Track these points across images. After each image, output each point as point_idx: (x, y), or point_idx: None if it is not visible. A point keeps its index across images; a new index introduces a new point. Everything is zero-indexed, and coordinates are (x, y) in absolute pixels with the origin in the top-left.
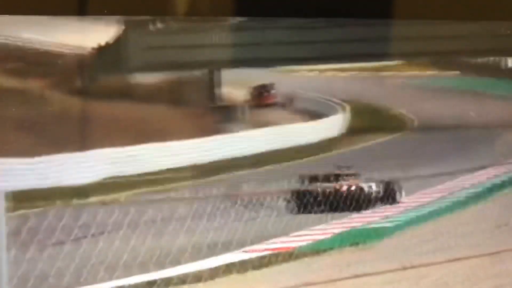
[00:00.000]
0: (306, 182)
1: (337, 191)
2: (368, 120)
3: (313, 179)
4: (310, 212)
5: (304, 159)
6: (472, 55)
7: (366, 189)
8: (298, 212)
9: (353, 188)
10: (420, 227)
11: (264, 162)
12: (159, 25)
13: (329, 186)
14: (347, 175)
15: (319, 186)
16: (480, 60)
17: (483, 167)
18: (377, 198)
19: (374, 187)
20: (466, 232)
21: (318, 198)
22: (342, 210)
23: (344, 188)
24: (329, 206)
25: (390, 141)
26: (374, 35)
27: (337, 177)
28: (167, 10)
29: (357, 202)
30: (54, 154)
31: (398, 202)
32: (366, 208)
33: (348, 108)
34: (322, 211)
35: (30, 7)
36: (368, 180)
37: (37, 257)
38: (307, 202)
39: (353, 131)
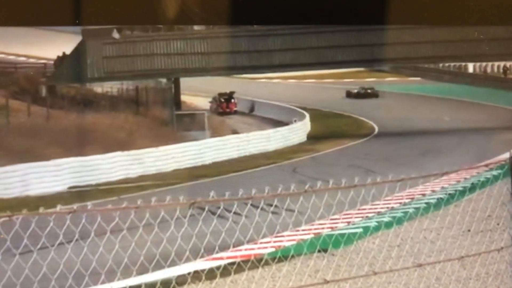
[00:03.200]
0: None
1: None
2: (329, 127)
3: None
4: None
5: (266, 166)
6: (433, 61)
7: None
8: None
9: None
10: (385, 233)
11: (229, 169)
12: (117, 35)
13: None
14: None
15: None
16: (441, 66)
17: (445, 173)
18: None
19: None
20: (430, 237)
21: None
22: None
23: None
24: None
25: (352, 147)
26: (335, 43)
27: None
28: (157, 20)
29: None
30: (18, 164)
31: None
32: None
33: (308, 115)
34: None
35: (25, 19)
36: None
37: (3, 266)
38: None
39: (314, 138)
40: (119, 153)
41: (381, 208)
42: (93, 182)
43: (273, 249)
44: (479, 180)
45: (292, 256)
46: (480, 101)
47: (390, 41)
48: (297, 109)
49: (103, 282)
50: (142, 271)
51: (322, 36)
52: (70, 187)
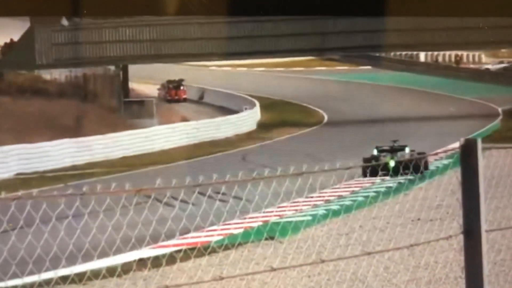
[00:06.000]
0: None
1: None
2: (279, 116)
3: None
4: None
5: (215, 154)
6: (384, 50)
7: None
8: None
9: None
10: (334, 221)
11: (177, 157)
12: (66, 22)
13: None
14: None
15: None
16: (393, 55)
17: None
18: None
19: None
20: (380, 226)
21: None
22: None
23: None
24: None
25: (301, 136)
26: (284, 32)
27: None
28: (155, 10)
29: None
30: None
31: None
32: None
33: (258, 103)
34: None
35: (21, 8)
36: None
37: None
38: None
39: (264, 126)
40: (66, 140)
41: (329, 196)
42: (41, 169)
43: (220, 237)
44: (429, 169)
45: (239, 244)
46: (431, 90)
47: (341, 29)
48: (247, 97)
49: (47, 269)
50: (88, 258)
51: (273, 25)
52: (17, 174)
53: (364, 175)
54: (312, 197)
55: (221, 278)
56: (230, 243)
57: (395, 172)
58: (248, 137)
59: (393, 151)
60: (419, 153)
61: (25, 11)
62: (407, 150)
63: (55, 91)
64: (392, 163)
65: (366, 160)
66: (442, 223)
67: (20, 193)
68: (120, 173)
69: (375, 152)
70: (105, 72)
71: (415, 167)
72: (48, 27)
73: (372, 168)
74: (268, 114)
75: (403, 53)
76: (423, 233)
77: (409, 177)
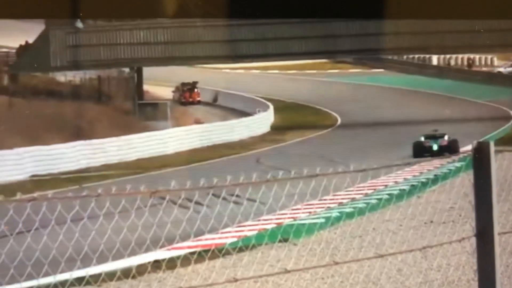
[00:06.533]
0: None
1: None
2: (292, 118)
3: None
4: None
5: (229, 157)
6: (396, 53)
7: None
8: None
9: None
10: (347, 224)
11: (191, 159)
12: (80, 24)
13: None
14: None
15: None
16: (405, 58)
17: (408, 164)
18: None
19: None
20: (393, 228)
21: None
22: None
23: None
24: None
25: (315, 138)
26: (297, 34)
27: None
28: (155, 13)
29: None
30: None
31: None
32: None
33: (272, 106)
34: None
35: (24, 11)
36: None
37: None
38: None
39: (277, 129)
40: (81, 142)
41: (343, 198)
42: (55, 171)
43: (235, 239)
44: (441, 172)
45: (253, 246)
46: (443, 93)
47: (353, 32)
48: (260, 99)
49: (62, 271)
50: (102, 260)
51: (286, 27)
52: (32, 176)
53: (415, 156)
54: (325, 199)
55: (235, 280)
56: (244, 245)
57: (438, 153)
58: (261, 139)
59: (435, 137)
60: (453, 140)
61: (40, 14)
62: (445, 137)
63: (70, 93)
64: (435, 147)
65: (415, 144)
66: (455, 225)
67: (35, 194)
68: (135, 175)
69: (422, 138)
70: (119, 74)
71: (453, 150)
72: (63, 30)
73: (418, 150)
74: (281, 116)
75: (416, 56)
76: (435, 236)
77: (422, 180)
